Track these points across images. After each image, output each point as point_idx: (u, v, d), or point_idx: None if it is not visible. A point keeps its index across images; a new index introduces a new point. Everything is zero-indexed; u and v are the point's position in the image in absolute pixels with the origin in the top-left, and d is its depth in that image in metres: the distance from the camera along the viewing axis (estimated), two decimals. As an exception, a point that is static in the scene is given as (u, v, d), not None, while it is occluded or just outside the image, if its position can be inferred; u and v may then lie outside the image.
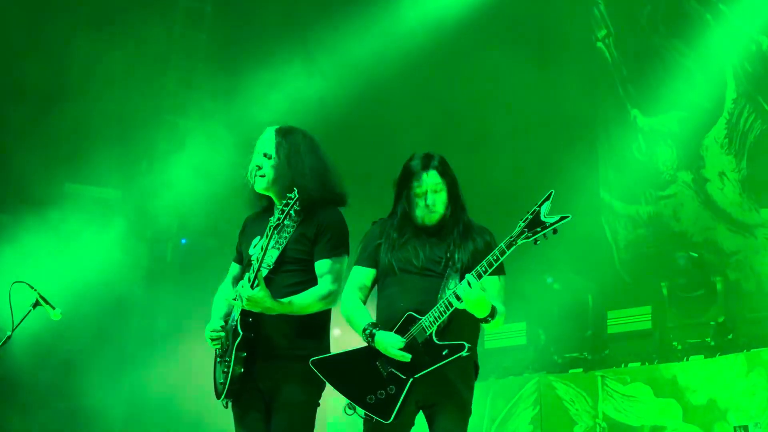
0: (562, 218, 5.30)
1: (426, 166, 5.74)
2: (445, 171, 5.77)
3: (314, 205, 5.95)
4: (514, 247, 5.38)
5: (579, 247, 11.56)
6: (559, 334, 11.69)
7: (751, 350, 10.14)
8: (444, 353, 5.50)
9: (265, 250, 5.75)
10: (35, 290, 6.90)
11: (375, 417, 5.54)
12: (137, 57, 11.51)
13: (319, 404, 5.97)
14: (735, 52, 11.29)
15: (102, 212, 11.29)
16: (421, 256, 5.69)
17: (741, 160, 11.24)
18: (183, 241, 11.89)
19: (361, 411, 5.61)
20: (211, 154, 11.41)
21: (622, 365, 11.06)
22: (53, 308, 6.87)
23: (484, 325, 5.59)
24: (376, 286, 5.90)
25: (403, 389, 5.53)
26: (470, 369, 5.77)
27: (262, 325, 5.89)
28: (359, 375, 5.65)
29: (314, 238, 5.94)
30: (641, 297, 11.38)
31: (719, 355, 10.42)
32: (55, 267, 10.41)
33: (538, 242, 5.37)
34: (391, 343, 5.54)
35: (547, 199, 5.35)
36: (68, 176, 11.29)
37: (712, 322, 10.80)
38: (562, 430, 11.09)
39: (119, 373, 11.23)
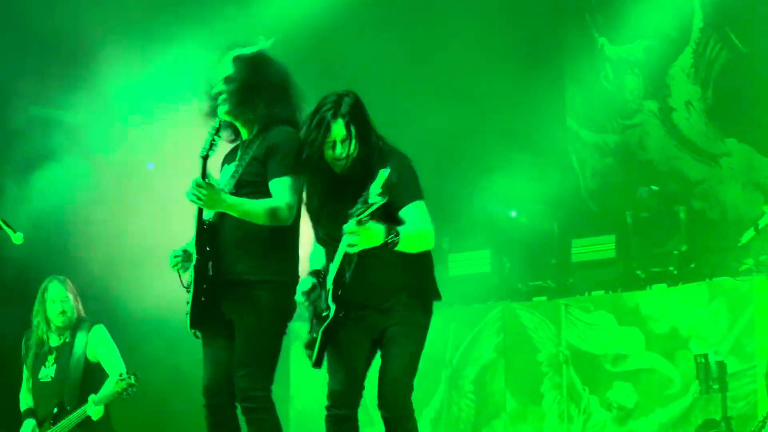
0: (372, 204, 5.32)
1: (335, 115, 5.70)
2: (353, 116, 5.73)
3: (265, 127, 6.02)
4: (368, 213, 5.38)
5: (546, 176, 11.58)
6: (523, 262, 11.74)
7: (714, 279, 10.20)
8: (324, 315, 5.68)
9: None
10: None
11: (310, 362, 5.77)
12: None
13: (284, 332, 6.01)
14: (703, -20, 11.25)
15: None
16: (338, 203, 5.74)
17: (707, 89, 11.22)
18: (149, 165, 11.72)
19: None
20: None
21: (586, 293, 11.12)
22: (14, 231, 6.91)
23: (399, 248, 5.56)
24: None
25: (317, 338, 5.69)
26: (416, 308, 5.86)
27: (220, 253, 5.93)
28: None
29: (264, 160, 5.97)
30: (606, 226, 11.41)
31: (682, 283, 10.50)
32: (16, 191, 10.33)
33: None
34: (300, 288, 5.86)
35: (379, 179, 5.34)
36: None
37: (675, 251, 10.84)
38: (526, 358, 11.17)
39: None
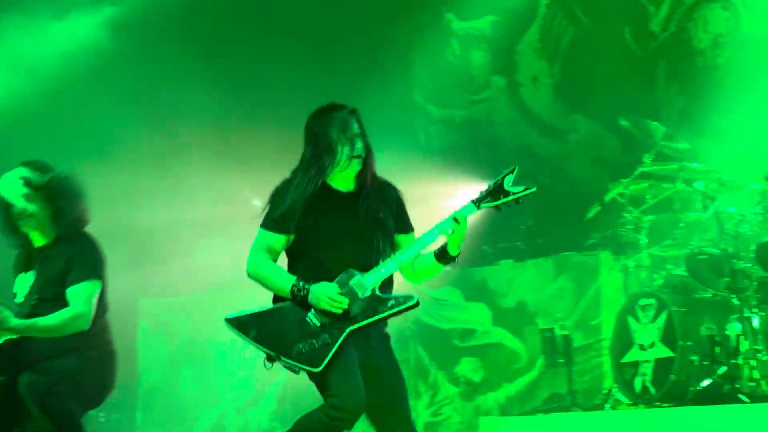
0: (526, 189, 5.40)
1: (350, 111, 5.63)
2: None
3: (62, 236, 6.03)
4: (474, 210, 5.46)
5: (392, 151, 11.48)
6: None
7: (560, 254, 10.30)
8: (390, 304, 5.48)
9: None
10: None
11: (305, 367, 5.38)
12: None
13: (75, 412, 5.91)
14: (547, -45, 11.33)
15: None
16: (349, 220, 5.53)
17: (554, 65, 11.31)
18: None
19: (287, 361, 5.42)
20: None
21: (433, 268, 11.10)
22: None
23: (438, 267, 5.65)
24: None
25: (339, 338, 5.37)
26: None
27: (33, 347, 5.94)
28: (287, 327, 5.44)
29: (64, 271, 5.95)
30: (453, 202, 11.39)
31: (528, 258, 10.56)
32: None
33: (501, 210, 5.49)
34: (328, 291, 5.36)
35: (511, 172, 5.43)
36: None
37: (522, 226, 10.91)
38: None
39: None
